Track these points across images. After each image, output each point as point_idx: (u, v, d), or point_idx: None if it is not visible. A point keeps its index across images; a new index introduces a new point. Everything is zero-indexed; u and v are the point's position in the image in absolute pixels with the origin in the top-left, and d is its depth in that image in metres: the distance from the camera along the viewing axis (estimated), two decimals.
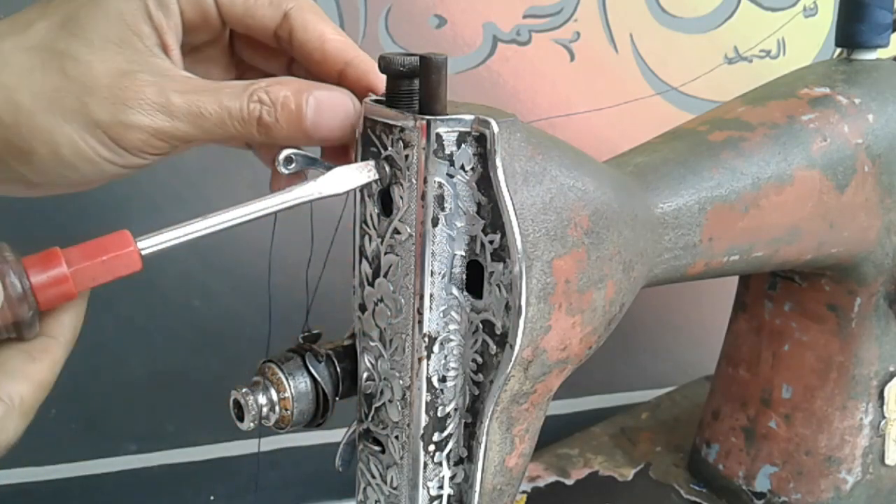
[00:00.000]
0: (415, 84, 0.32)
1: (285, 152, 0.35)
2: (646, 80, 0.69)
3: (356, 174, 0.33)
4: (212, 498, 0.68)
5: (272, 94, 0.34)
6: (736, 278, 0.58)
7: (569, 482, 0.60)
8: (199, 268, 0.62)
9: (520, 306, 0.31)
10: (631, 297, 0.38)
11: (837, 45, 0.51)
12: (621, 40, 0.67)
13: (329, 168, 0.37)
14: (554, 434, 0.64)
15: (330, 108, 0.35)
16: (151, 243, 0.30)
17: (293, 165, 0.35)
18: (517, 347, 0.32)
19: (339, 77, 0.37)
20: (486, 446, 0.34)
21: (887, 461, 0.55)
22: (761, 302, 0.55)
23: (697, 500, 0.59)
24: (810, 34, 0.72)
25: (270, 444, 0.68)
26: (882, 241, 0.49)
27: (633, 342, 0.75)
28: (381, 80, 0.36)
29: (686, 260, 0.41)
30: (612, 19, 0.67)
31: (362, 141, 0.34)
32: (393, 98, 0.33)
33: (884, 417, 0.54)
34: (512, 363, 0.32)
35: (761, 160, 0.43)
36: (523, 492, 0.59)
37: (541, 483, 0.60)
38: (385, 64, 0.32)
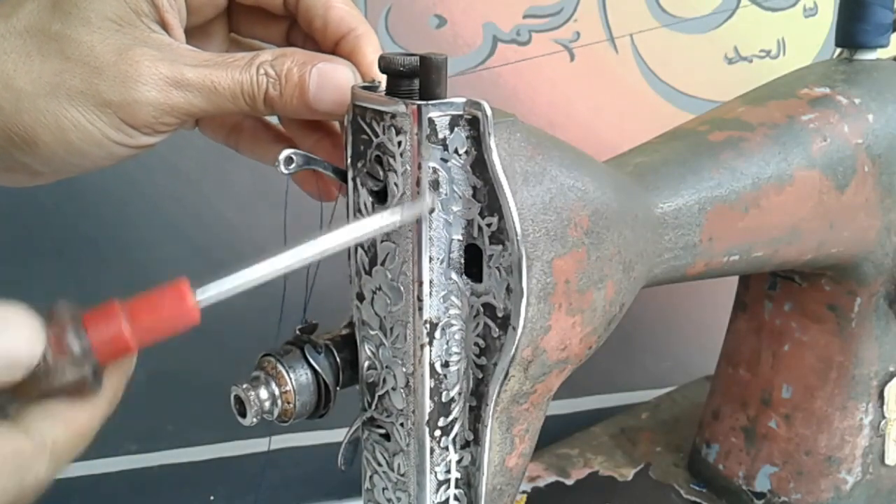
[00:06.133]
0: (415, 84, 0.32)
1: (285, 152, 0.34)
2: (646, 80, 0.69)
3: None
4: (212, 498, 0.68)
5: (277, 67, 0.34)
6: (736, 278, 0.58)
7: (569, 482, 0.60)
8: (199, 267, 0.62)
9: (521, 287, 0.31)
10: (631, 297, 0.38)
11: (838, 45, 0.51)
12: (621, 40, 0.67)
13: (328, 168, 0.37)
14: (554, 434, 0.64)
15: (333, 80, 0.35)
16: (210, 295, 0.29)
17: (293, 165, 0.35)
18: (520, 329, 0.32)
19: (334, 48, 0.37)
20: (490, 432, 0.34)
21: (887, 461, 0.55)
22: (761, 302, 0.55)
23: (697, 500, 0.58)
24: (810, 34, 0.72)
25: (270, 443, 0.68)
26: (882, 241, 0.49)
27: (633, 342, 0.75)
28: (371, 59, 0.36)
29: (686, 260, 0.41)
30: (612, 19, 0.67)
31: (352, 128, 0.34)
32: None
33: (884, 417, 0.54)
34: (516, 345, 0.32)
35: (761, 160, 0.43)
36: (523, 492, 0.59)
37: (541, 483, 0.60)
38: (385, 64, 0.32)
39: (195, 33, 0.38)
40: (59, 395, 0.27)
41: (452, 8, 0.63)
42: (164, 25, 0.35)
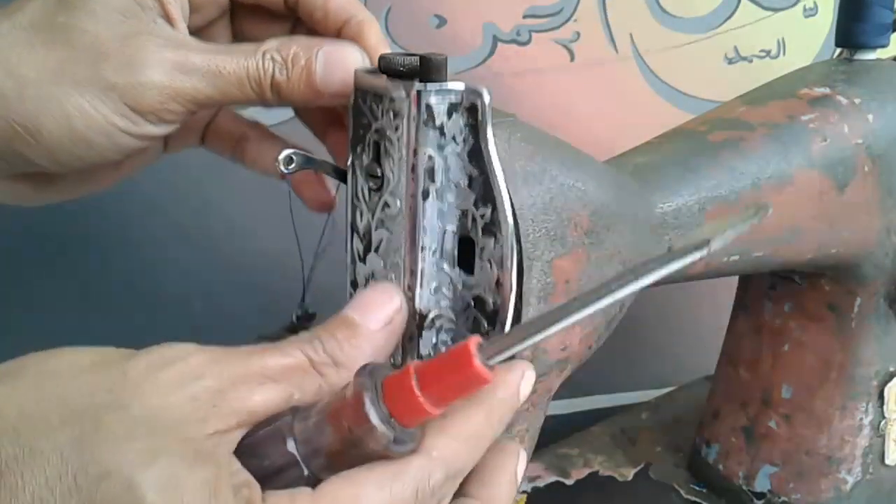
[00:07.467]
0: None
1: (285, 152, 0.34)
2: (646, 80, 0.69)
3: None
4: None
5: (283, 52, 0.34)
6: (736, 278, 0.58)
7: (569, 482, 0.60)
8: (199, 267, 0.62)
9: (510, 282, 0.31)
10: (631, 297, 0.38)
11: (837, 45, 0.51)
12: (621, 40, 0.68)
13: (329, 168, 0.36)
14: (554, 434, 0.64)
15: (340, 62, 0.35)
16: (499, 355, 0.28)
17: (293, 165, 0.35)
18: (508, 325, 0.31)
19: (337, 35, 0.37)
20: None
21: (887, 461, 0.55)
22: (761, 302, 0.55)
23: (697, 500, 0.59)
24: (810, 34, 0.72)
25: None
26: (882, 241, 0.49)
27: (633, 342, 0.75)
28: (374, 42, 0.36)
29: None
30: (612, 19, 0.67)
31: (353, 112, 0.34)
32: None
33: (884, 417, 0.54)
34: None
35: (761, 160, 0.43)
36: (523, 492, 0.58)
37: (541, 483, 0.60)
38: (385, 64, 0.32)
39: (199, 36, 0.39)
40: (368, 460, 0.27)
41: (452, 8, 0.63)
42: (169, 19, 0.35)
